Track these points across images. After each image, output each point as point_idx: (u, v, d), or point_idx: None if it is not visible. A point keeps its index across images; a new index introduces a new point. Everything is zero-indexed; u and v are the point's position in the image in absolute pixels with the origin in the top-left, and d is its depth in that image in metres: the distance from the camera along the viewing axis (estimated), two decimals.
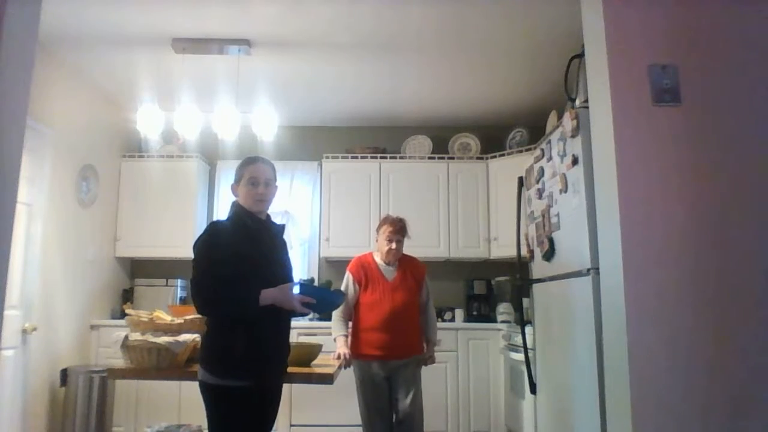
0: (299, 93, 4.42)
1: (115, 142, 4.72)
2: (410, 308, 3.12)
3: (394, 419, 3.08)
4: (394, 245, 3.11)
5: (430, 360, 3.20)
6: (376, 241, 3.21)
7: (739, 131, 1.91)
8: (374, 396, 3.05)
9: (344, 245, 4.65)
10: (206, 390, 2.10)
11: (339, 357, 2.94)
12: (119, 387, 4.03)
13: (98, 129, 4.42)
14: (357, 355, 3.06)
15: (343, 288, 3.15)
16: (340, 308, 3.10)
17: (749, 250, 1.84)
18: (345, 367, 2.98)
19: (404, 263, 3.19)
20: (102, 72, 4.07)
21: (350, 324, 3.17)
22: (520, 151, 4.59)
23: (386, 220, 3.18)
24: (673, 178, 1.89)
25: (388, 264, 3.16)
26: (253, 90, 4.21)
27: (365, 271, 3.14)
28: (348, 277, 3.17)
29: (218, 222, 2.27)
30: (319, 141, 5.09)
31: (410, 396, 3.04)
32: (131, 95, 4.41)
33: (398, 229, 3.12)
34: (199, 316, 2.63)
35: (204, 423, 2.15)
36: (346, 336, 3.10)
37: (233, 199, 2.31)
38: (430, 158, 4.86)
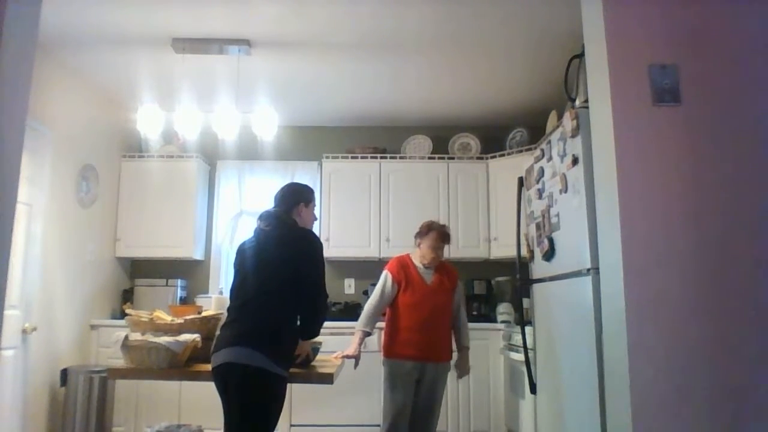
0: (299, 93, 4.42)
1: (115, 142, 4.72)
2: (447, 311, 3.19)
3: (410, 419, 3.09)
4: (438, 252, 3.17)
5: (465, 371, 3.22)
6: (418, 246, 3.21)
7: (739, 131, 1.91)
8: (404, 395, 3.04)
9: (344, 245, 4.66)
10: (272, 379, 2.20)
11: (347, 357, 2.94)
12: (119, 387, 4.03)
13: (98, 129, 4.41)
14: (392, 353, 3.09)
15: (380, 286, 3.16)
16: (373, 303, 3.13)
17: (749, 250, 1.84)
18: (355, 367, 3.02)
19: (440, 267, 3.22)
20: (102, 72, 4.06)
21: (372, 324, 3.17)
22: (520, 151, 4.59)
23: (432, 227, 3.18)
24: (673, 178, 1.89)
25: (426, 267, 3.19)
26: (253, 90, 4.21)
27: (405, 273, 3.15)
28: (387, 277, 3.16)
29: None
30: (319, 141, 5.09)
31: (434, 402, 3.12)
32: (131, 95, 4.41)
33: (445, 237, 3.19)
34: (199, 315, 2.65)
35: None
36: (367, 334, 3.10)
37: (284, 212, 2.60)
38: (430, 158, 4.86)
